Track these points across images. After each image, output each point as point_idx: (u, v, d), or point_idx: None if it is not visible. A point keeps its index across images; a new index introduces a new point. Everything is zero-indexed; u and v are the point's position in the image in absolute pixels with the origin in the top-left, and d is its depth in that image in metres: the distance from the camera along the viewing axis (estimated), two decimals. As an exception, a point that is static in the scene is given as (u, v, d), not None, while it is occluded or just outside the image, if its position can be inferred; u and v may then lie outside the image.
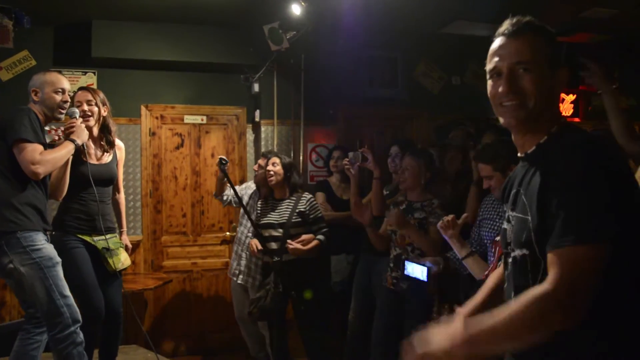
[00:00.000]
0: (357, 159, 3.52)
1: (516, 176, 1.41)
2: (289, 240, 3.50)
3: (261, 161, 4.11)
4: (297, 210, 3.60)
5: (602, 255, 1.13)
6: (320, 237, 3.61)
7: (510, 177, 1.47)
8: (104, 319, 3.08)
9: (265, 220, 3.66)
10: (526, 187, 1.31)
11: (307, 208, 3.63)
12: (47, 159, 2.67)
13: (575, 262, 1.13)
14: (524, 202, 1.30)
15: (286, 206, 3.65)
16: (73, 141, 2.84)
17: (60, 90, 2.84)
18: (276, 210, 3.66)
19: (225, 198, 4.21)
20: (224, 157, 3.35)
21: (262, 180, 3.94)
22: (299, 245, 3.50)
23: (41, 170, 2.63)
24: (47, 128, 3.03)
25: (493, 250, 2.56)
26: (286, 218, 3.60)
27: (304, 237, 3.54)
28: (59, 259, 2.73)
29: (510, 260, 1.38)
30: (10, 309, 4.35)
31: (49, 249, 2.72)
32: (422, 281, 2.82)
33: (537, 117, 1.34)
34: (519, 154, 1.41)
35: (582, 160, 1.19)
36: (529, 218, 1.27)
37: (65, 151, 2.79)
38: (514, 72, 1.32)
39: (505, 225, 1.43)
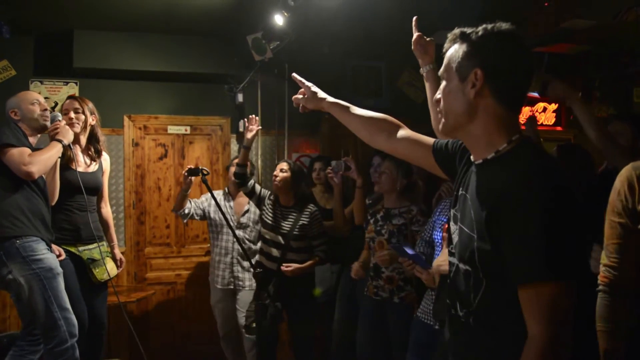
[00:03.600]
0: (340, 168, 3.53)
1: (467, 180, 1.37)
2: (283, 265, 3.45)
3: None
4: (299, 223, 3.56)
5: (572, 293, 1.13)
6: (320, 254, 3.60)
7: (459, 179, 1.43)
8: (87, 330, 3.05)
9: (269, 221, 3.62)
10: (474, 198, 1.29)
11: (311, 221, 3.59)
12: (38, 159, 2.66)
13: (555, 301, 1.12)
14: (471, 217, 1.27)
15: (290, 216, 3.60)
16: (60, 141, 2.84)
17: (35, 101, 2.91)
18: (281, 218, 3.61)
19: (187, 212, 4.06)
20: (205, 167, 3.32)
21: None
22: (296, 265, 3.46)
23: (34, 169, 2.61)
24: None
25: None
26: (288, 229, 3.55)
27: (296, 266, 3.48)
28: (60, 270, 2.69)
29: (454, 268, 1.38)
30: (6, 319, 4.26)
31: (50, 259, 2.68)
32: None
33: (459, 130, 1.33)
34: (471, 158, 1.38)
35: (540, 191, 1.14)
36: (475, 236, 1.25)
37: (55, 151, 2.79)
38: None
39: (451, 225, 1.41)
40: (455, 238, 1.37)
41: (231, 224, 3.67)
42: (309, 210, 3.63)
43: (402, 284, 3.09)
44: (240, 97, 4.80)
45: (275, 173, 3.62)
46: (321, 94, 1.77)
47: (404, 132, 1.65)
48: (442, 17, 4.35)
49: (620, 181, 2.34)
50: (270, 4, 3.73)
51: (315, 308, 3.78)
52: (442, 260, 2.42)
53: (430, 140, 1.62)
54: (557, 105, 5.94)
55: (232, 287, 4.11)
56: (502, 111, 1.27)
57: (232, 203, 4.18)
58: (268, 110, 4.84)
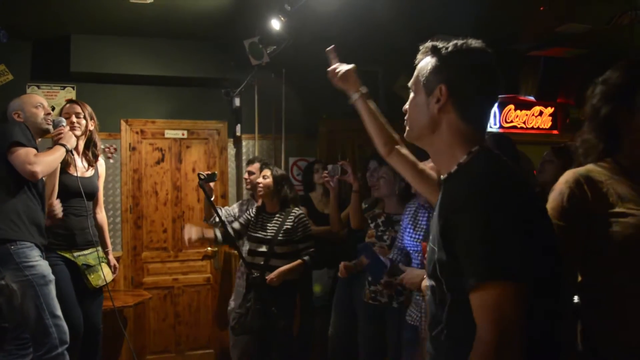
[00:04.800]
0: (336, 172, 3.53)
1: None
2: (267, 278, 3.40)
3: (251, 167, 4.11)
4: (283, 228, 3.53)
5: (522, 296, 1.10)
6: (306, 257, 3.56)
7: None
8: (82, 336, 3.04)
9: (254, 234, 3.59)
10: (437, 212, 1.30)
11: (295, 225, 3.55)
12: (43, 160, 2.68)
13: (501, 303, 1.09)
14: (435, 232, 1.28)
15: (274, 222, 3.58)
16: (63, 145, 2.85)
17: (39, 104, 2.92)
18: (265, 225, 3.59)
19: (217, 220, 3.87)
20: (202, 172, 3.31)
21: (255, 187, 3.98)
22: (273, 275, 3.40)
23: (38, 169, 2.62)
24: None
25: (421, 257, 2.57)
26: (272, 235, 3.53)
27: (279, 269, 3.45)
28: (52, 277, 2.69)
29: (428, 286, 1.38)
30: None
31: (43, 266, 2.67)
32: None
33: (422, 140, 1.37)
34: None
35: (482, 194, 1.15)
36: (435, 249, 1.26)
37: (58, 154, 2.81)
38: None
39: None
40: (428, 253, 1.37)
41: (240, 248, 3.66)
42: (293, 213, 3.59)
43: (400, 289, 3.09)
44: (237, 102, 4.81)
45: (258, 180, 3.59)
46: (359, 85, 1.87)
47: (423, 164, 1.82)
48: (439, 22, 4.37)
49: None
50: (267, 8, 3.74)
51: (309, 312, 3.76)
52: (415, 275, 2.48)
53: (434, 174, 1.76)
54: (553, 109, 5.96)
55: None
56: (465, 126, 1.28)
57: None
58: (265, 114, 4.84)
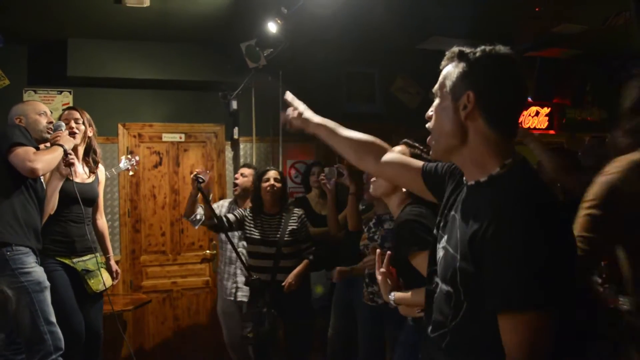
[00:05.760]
0: (333, 175, 3.54)
1: (458, 201, 1.35)
2: (284, 282, 3.45)
3: (245, 170, 4.12)
4: (289, 229, 3.56)
5: (555, 320, 1.10)
6: (310, 257, 3.62)
7: (449, 201, 1.41)
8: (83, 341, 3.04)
9: (256, 236, 3.57)
10: (462, 218, 1.28)
11: (300, 225, 3.60)
12: (42, 157, 2.68)
13: (536, 329, 1.09)
14: (457, 238, 1.26)
15: (278, 223, 3.58)
16: (61, 145, 2.86)
17: (42, 112, 2.96)
18: (268, 226, 3.58)
19: (198, 217, 3.88)
20: (200, 174, 3.31)
21: (244, 191, 3.99)
22: (291, 278, 3.47)
23: (39, 166, 2.63)
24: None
25: None
26: (279, 236, 3.53)
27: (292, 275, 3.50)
28: (47, 284, 2.68)
29: (434, 286, 1.37)
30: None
31: (39, 273, 2.67)
32: None
33: (451, 155, 1.32)
34: (463, 179, 1.36)
35: (524, 219, 1.12)
36: (458, 257, 1.23)
37: (57, 153, 2.81)
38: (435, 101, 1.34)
39: (439, 246, 1.38)
40: (440, 258, 1.35)
41: (229, 235, 3.66)
42: (296, 214, 3.63)
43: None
44: (234, 104, 4.81)
45: (271, 183, 3.57)
46: (307, 114, 1.76)
47: (392, 155, 1.67)
48: (435, 23, 4.39)
49: None
50: (263, 11, 3.75)
51: (311, 313, 3.77)
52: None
53: (418, 163, 1.63)
54: (549, 109, 5.99)
55: (232, 298, 4.09)
56: (494, 135, 1.25)
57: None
58: (262, 117, 4.85)
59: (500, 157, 1.25)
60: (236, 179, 4.18)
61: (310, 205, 4.31)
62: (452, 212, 1.35)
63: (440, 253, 1.36)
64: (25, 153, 2.63)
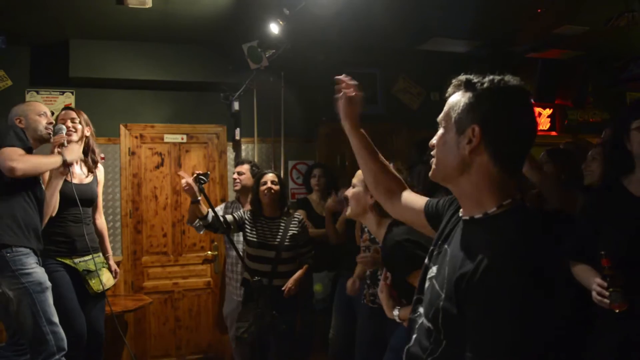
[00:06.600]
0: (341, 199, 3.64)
1: (452, 234, 1.31)
2: (283, 287, 3.43)
3: (241, 168, 4.12)
4: (289, 233, 3.54)
5: None
6: (309, 260, 3.61)
7: (444, 233, 1.37)
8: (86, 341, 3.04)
9: (256, 239, 3.54)
10: (452, 255, 1.23)
11: (300, 230, 3.59)
12: (28, 159, 2.65)
13: None
14: (444, 275, 1.21)
15: (278, 227, 3.56)
16: (63, 157, 2.83)
17: (42, 113, 2.95)
18: (266, 230, 3.56)
19: (202, 223, 3.79)
20: (202, 174, 3.29)
21: (244, 188, 4.00)
22: (291, 283, 3.45)
23: (19, 166, 2.55)
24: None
25: None
26: (279, 241, 3.52)
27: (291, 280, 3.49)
28: (48, 284, 2.67)
29: (416, 315, 1.34)
30: None
31: (39, 274, 2.66)
32: None
33: (448, 182, 1.28)
34: (460, 212, 1.32)
35: (513, 274, 1.07)
36: (442, 295, 1.19)
37: (52, 161, 2.78)
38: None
39: (427, 276, 1.34)
40: (426, 288, 1.32)
41: (230, 236, 3.65)
42: (296, 219, 3.62)
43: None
44: (236, 105, 4.82)
45: (269, 186, 3.54)
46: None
47: (404, 195, 1.68)
48: (436, 25, 4.39)
49: None
50: (265, 12, 3.76)
51: (311, 315, 3.77)
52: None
53: (421, 201, 1.61)
54: (551, 110, 5.98)
55: (241, 299, 4.07)
56: (497, 172, 1.19)
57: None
58: (264, 118, 4.85)
59: (499, 196, 1.20)
60: (235, 179, 4.18)
61: (312, 206, 4.32)
62: (445, 245, 1.31)
63: (427, 284, 1.32)
64: (10, 154, 2.59)
